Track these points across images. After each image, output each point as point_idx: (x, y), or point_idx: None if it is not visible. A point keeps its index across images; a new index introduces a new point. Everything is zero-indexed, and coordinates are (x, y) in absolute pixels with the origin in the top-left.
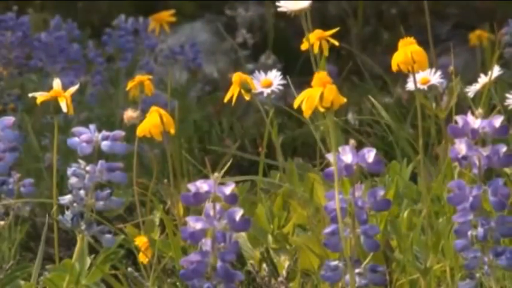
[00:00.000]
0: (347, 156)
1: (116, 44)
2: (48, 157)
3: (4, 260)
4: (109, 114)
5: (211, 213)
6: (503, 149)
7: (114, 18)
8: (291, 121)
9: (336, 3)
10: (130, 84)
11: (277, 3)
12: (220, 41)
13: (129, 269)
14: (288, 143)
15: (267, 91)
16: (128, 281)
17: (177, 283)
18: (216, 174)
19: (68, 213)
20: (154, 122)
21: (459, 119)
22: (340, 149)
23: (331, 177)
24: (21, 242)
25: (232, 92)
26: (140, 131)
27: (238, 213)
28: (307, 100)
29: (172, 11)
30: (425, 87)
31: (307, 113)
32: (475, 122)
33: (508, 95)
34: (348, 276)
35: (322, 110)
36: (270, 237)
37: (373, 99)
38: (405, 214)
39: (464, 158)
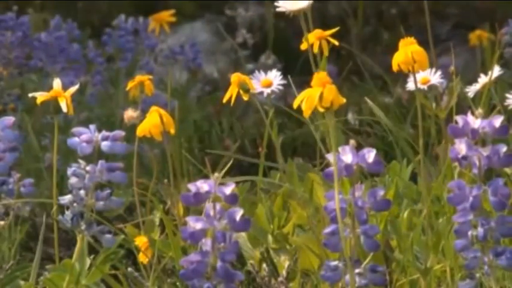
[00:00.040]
0: (347, 156)
1: (116, 44)
2: (48, 157)
3: (4, 260)
4: (109, 114)
5: (212, 213)
6: (504, 149)
7: (114, 18)
8: (291, 121)
9: (336, 3)
10: (130, 84)
11: (276, 3)
12: (220, 41)
13: (129, 269)
14: (288, 143)
15: (267, 91)
16: (127, 281)
17: (177, 283)
18: (216, 174)
19: (68, 213)
20: (154, 122)
21: (459, 119)
22: (340, 149)
23: (331, 177)
24: (21, 242)
25: (231, 93)
26: (140, 131)
27: (239, 213)
28: (306, 100)
29: (172, 11)
30: (425, 87)
31: (306, 113)
32: (475, 122)
33: (508, 95)
34: (348, 276)
35: (321, 110)
36: (270, 237)
37: (370, 102)
38: (405, 214)
39: (464, 158)
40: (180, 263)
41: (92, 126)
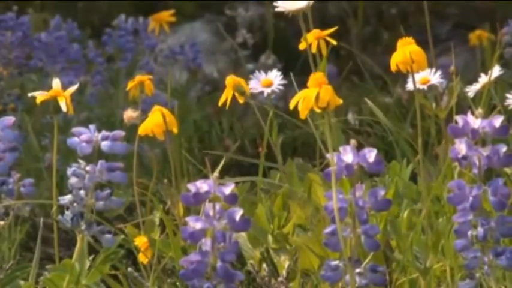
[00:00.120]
0: (348, 156)
1: (116, 44)
2: (48, 157)
3: (4, 260)
4: (109, 114)
5: (211, 213)
6: (504, 149)
7: (114, 18)
8: (291, 121)
9: (336, 3)
10: (130, 84)
11: (275, 3)
12: (220, 41)
13: (129, 269)
14: (288, 143)
15: (267, 91)
16: (127, 281)
17: (177, 283)
18: (215, 174)
19: (68, 213)
20: (156, 121)
21: (459, 118)
22: (340, 148)
23: (331, 177)
24: (21, 242)
25: (226, 96)
26: (142, 130)
27: (238, 213)
28: (303, 101)
29: (172, 11)
30: (425, 87)
31: (303, 113)
32: (475, 122)
33: (508, 95)
34: (348, 276)
35: (318, 110)
36: (270, 237)
37: (369, 102)
38: (405, 214)
39: (464, 158)
40: (180, 263)
41: (92, 126)
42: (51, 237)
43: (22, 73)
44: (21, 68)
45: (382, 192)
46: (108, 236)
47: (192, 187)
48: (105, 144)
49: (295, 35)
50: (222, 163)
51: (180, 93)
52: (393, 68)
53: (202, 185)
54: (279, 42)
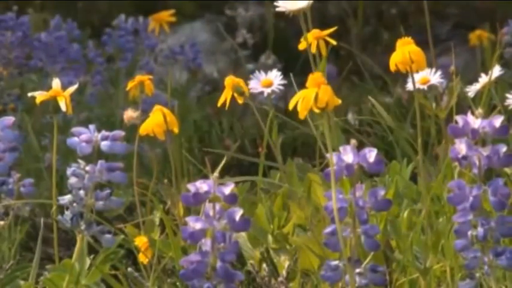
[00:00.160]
0: (348, 156)
1: (116, 44)
2: (48, 157)
3: (4, 260)
4: (109, 114)
5: (211, 213)
6: (504, 149)
7: (114, 18)
8: (291, 121)
9: (336, 3)
10: (130, 84)
11: (275, 3)
12: (220, 41)
13: (129, 269)
14: (288, 143)
15: (267, 91)
16: (127, 281)
17: (177, 283)
18: (215, 174)
19: (68, 213)
20: (157, 121)
21: (459, 118)
22: (341, 148)
23: (331, 177)
24: (21, 242)
25: (225, 96)
26: (143, 129)
27: (238, 213)
28: (302, 101)
29: (172, 11)
30: (425, 87)
31: (302, 114)
32: (475, 121)
33: (508, 95)
34: (348, 276)
35: (317, 111)
36: (270, 237)
37: (373, 100)
38: (405, 214)
39: (465, 158)
40: (180, 263)
41: (92, 126)
42: (51, 237)
43: (22, 73)
44: (21, 68)
45: (382, 192)
46: (108, 236)
47: (192, 187)
48: (105, 144)
49: (295, 35)
50: (222, 163)
51: (180, 93)
52: (392, 68)
53: (202, 185)
54: (279, 42)
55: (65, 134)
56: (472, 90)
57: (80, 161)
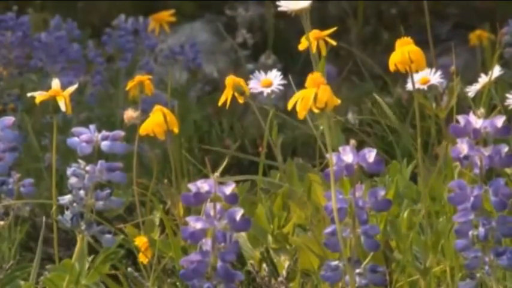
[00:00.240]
0: (348, 156)
1: (116, 44)
2: (48, 157)
3: (4, 260)
4: (109, 114)
5: (212, 213)
6: (505, 149)
7: (114, 18)
8: (292, 121)
9: (336, 3)
10: (130, 84)
11: (277, 3)
12: (220, 41)
13: (129, 269)
14: (288, 143)
15: (267, 91)
16: (127, 281)
17: (177, 283)
18: (216, 174)
19: (68, 213)
20: (157, 121)
21: (461, 118)
22: (340, 148)
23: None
24: (21, 242)
25: (226, 96)
26: (143, 129)
27: (239, 213)
28: (301, 101)
29: (172, 11)
30: (425, 87)
31: (301, 114)
32: (477, 121)
33: (508, 95)
34: (348, 277)
35: (316, 111)
36: (270, 237)
37: (377, 97)
38: (405, 214)
39: (466, 157)
40: (180, 263)
41: (92, 126)
42: (51, 237)
43: (22, 73)
44: (21, 68)
45: (382, 193)
46: (108, 236)
47: (192, 187)
48: (105, 144)
49: (295, 35)
50: (223, 163)
51: (180, 93)
52: (392, 68)
53: (203, 185)
54: (279, 42)
55: (65, 134)
56: (472, 90)
57: (80, 161)
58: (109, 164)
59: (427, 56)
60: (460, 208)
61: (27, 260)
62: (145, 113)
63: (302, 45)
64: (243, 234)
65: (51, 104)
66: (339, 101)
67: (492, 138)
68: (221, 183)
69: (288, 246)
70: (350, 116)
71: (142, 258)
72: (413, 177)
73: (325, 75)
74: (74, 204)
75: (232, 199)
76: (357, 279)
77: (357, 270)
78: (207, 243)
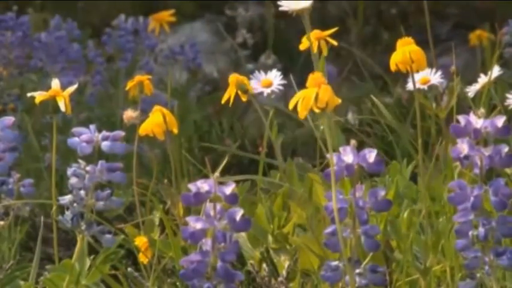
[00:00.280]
0: (348, 156)
1: (116, 44)
2: (48, 157)
3: (4, 260)
4: (109, 114)
5: (212, 213)
6: (505, 149)
7: (114, 18)
8: (291, 121)
9: (336, 3)
10: (129, 84)
11: (278, 3)
12: (220, 41)
13: (129, 269)
14: (288, 143)
15: (267, 91)
16: (127, 281)
17: (177, 283)
18: (216, 174)
19: (68, 214)
20: (157, 121)
21: (461, 118)
22: (341, 149)
23: (331, 178)
24: (21, 242)
25: (229, 94)
26: (142, 130)
27: (239, 213)
28: (302, 101)
29: (172, 11)
30: (425, 87)
31: (302, 114)
32: (477, 121)
33: (508, 95)
34: (348, 277)
35: (317, 111)
36: (270, 237)
37: (374, 99)
38: (405, 214)
39: (466, 157)
40: (180, 263)
41: (92, 126)
42: (51, 237)
43: (22, 73)
44: (21, 68)
45: (382, 193)
46: (108, 236)
47: (192, 187)
48: (105, 144)
49: (296, 35)
50: (223, 163)
51: (180, 93)
52: (393, 67)
53: (203, 185)
54: (279, 42)
55: (65, 134)
56: (472, 90)
57: (80, 161)
58: (109, 164)
59: (427, 56)
60: (460, 208)
61: (27, 260)
62: (145, 113)
63: (303, 45)
64: (243, 234)
65: (51, 104)
66: (339, 101)
67: (492, 138)
68: (221, 183)
69: (288, 246)
70: (350, 116)
71: (142, 258)
72: (414, 177)
73: (326, 75)
74: (74, 205)
75: (232, 199)
76: (357, 279)
77: (357, 270)
78: (207, 243)
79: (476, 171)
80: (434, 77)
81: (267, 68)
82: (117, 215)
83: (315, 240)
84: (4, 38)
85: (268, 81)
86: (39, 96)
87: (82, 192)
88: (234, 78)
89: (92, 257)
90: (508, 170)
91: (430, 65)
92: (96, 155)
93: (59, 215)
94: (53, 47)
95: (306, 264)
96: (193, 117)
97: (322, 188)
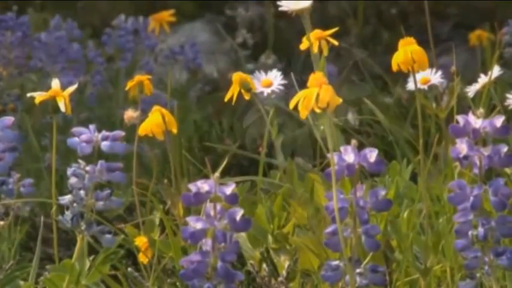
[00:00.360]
0: (349, 155)
1: (116, 44)
2: (48, 157)
3: (4, 260)
4: (109, 114)
5: (212, 213)
6: (504, 149)
7: (114, 18)
8: (292, 121)
9: (336, 3)
10: (129, 84)
11: (278, 3)
12: (220, 41)
13: (129, 269)
14: (288, 143)
15: (267, 91)
16: (127, 281)
17: (177, 283)
18: (216, 174)
19: (68, 214)
20: (156, 121)
21: (460, 118)
22: (342, 148)
23: (331, 177)
24: (21, 242)
25: (233, 92)
26: (142, 130)
27: (239, 213)
28: (303, 101)
29: (172, 11)
30: (425, 87)
31: (303, 114)
32: (476, 121)
33: (508, 95)
34: (348, 276)
35: (318, 110)
36: (270, 237)
37: (369, 102)
38: (405, 214)
39: (466, 157)
40: (180, 263)
41: (92, 126)
42: (51, 237)
43: (22, 73)
44: (21, 68)
45: (382, 193)
46: (108, 236)
47: (193, 187)
48: (105, 144)
49: (296, 35)
50: (224, 163)
51: (180, 93)
52: (394, 67)
53: (203, 185)
54: (279, 42)
55: (65, 134)
56: (471, 90)
57: (80, 161)
58: (109, 164)
59: (427, 56)
60: (459, 208)
61: (27, 260)
62: (145, 113)
63: (304, 45)
64: (243, 234)
65: (51, 104)
66: (340, 100)
67: (491, 138)
68: (221, 183)
69: (288, 246)
70: (350, 116)
71: (142, 258)
72: (414, 177)
73: (327, 75)
74: (74, 204)
75: (233, 199)
76: (357, 279)
77: (357, 270)
78: (207, 244)
79: (476, 171)
80: (435, 77)
81: (267, 68)
82: (117, 215)
83: (315, 240)
84: (4, 38)
85: (268, 81)
86: (39, 96)
87: (82, 192)
88: (237, 76)
89: (91, 257)
90: (507, 170)
91: (431, 65)
92: (96, 155)
93: (59, 215)
94: (53, 47)
95: (306, 264)
96: (193, 117)
97: (322, 188)
